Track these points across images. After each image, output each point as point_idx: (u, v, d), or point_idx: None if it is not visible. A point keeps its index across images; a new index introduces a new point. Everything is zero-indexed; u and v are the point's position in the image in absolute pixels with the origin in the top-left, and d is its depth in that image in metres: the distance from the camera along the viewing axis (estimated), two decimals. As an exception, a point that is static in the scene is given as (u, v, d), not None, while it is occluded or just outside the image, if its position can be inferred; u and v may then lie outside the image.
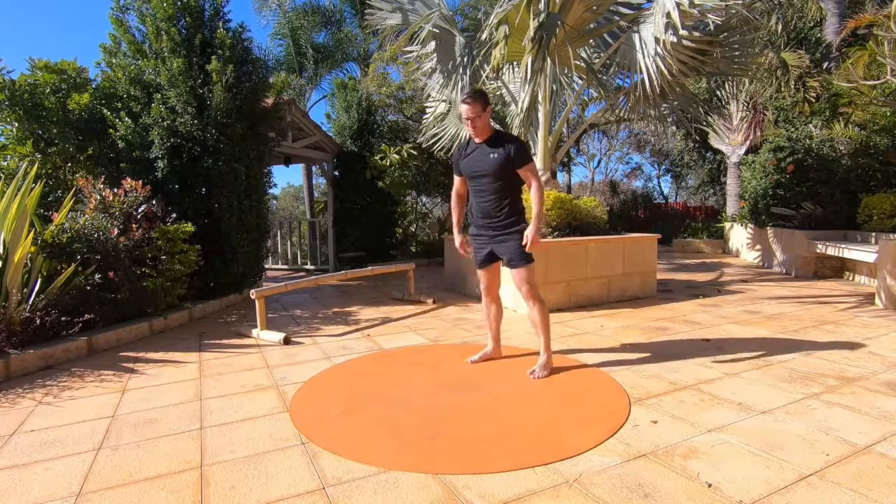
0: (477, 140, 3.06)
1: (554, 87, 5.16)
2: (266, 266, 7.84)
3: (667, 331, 4.15)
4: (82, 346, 3.73)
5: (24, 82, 4.93)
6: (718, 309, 4.98)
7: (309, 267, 9.99)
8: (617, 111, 6.54)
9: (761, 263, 8.58)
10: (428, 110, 7.53)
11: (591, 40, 5.90)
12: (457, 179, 3.25)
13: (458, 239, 3.27)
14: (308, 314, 5.23)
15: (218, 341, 4.16)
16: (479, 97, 2.96)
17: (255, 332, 4.26)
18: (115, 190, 4.52)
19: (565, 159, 14.78)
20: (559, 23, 4.68)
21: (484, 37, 5.24)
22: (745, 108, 10.12)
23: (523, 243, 2.93)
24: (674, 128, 13.06)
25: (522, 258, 2.99)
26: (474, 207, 3.18)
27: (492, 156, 2.97)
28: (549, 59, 4.73)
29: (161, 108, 5.11)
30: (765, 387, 2.82)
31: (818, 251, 6.80)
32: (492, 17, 5.04)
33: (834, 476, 1.88)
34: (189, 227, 4.79)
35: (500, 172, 2.97)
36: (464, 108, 2.94)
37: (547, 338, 3.07)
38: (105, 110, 5.09)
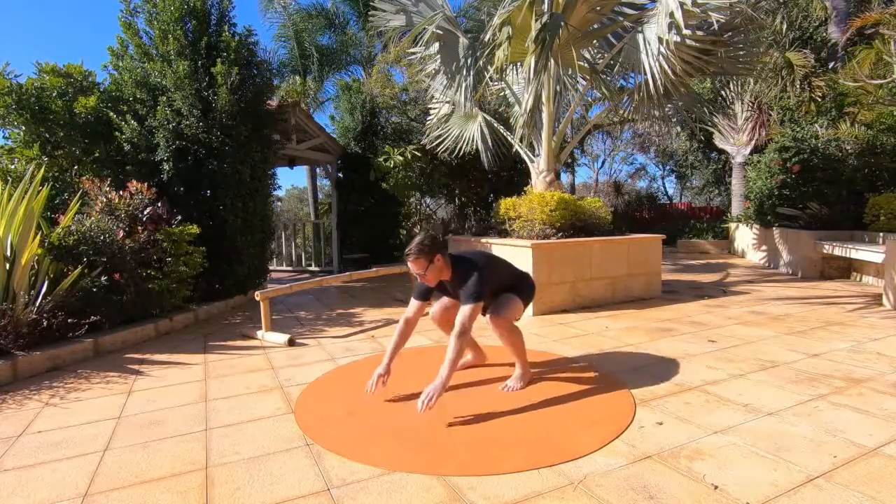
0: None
1: (557, 88, 5.16)
2: (270, 268, 7.86)
3: (672, 332, 4.13)
4: (88, 347, 3.75)
5: (31, 86, 4.96)
6: (724, 310, 4.95)
7: (313, 268, 10.00)
8: (621, 112, 6.53)
9: (767, 264, 8.53)
10: (431, 112, 7.55)
11: (594, 41, 5.89)
12: (415, 304, 2.78)
13: (382, 368, 2.68)
14: (312, 316, 5.24)
15: (223, 343, 4.18)
16: (421, 253, 2.59)
17: (259, 333, 4.27)
18: (121, 192, 4.55)
19: (569, 160, 14.72)
20: (562, 23, 4.68)
21: (487, 38, 5.24)
22: (749, 107, 10.08)
23: (420, 402, 2.39)
24: (678, 128, 13.03)
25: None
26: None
27: (459, 291, 2.68)
28: (552, 60, 4.73)
29: (167, 111, 5.14)
30: (771, 388, 2.80)
31: (824, 252, 6.76)
32: (495, 17, 5.04)
33: (841, 478, 1.87)
34: (194, 228, 4.81)
35: None
36: (409, 264, 2.67)
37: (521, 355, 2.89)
38: (111, 113, 5.13)
